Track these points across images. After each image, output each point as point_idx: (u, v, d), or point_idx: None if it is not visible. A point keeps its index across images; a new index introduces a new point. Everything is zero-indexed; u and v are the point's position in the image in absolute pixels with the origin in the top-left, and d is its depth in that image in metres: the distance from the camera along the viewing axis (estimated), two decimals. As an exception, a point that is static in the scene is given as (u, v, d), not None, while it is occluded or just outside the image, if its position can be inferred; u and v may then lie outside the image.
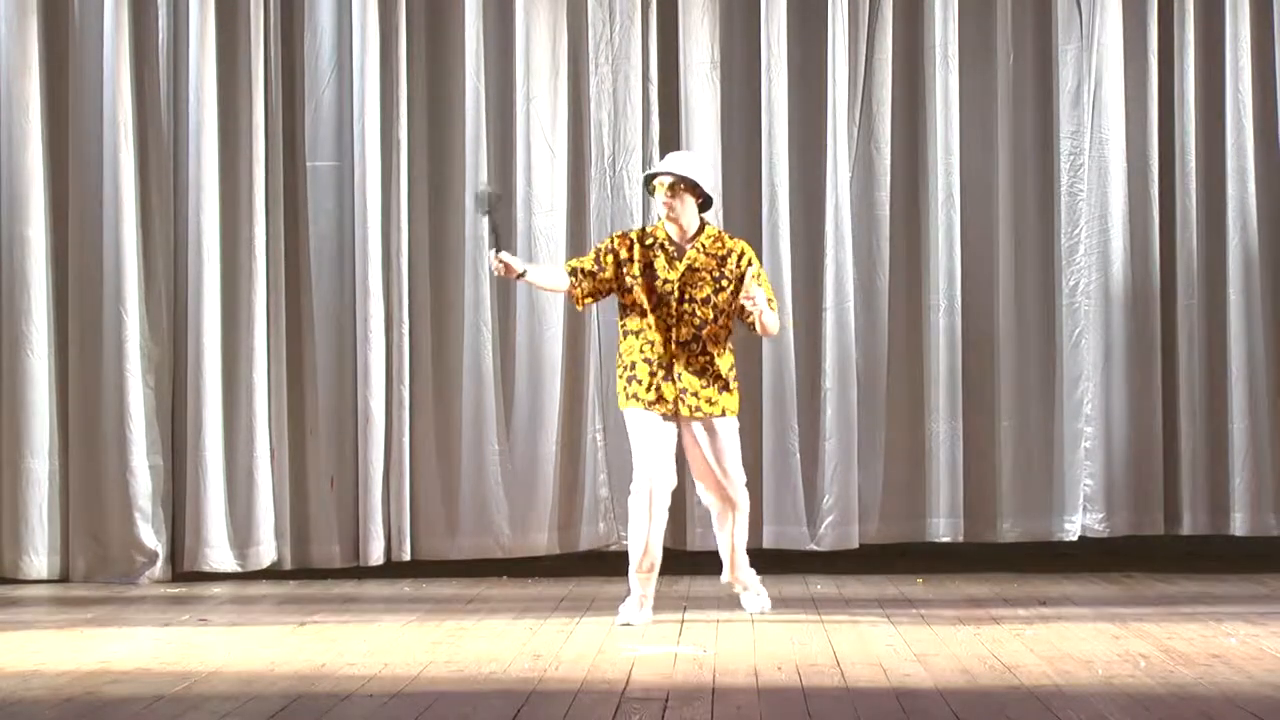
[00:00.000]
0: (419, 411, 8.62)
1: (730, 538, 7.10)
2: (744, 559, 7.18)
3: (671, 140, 8.70)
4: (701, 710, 4.92)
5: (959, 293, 8.73)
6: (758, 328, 6.94)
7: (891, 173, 8.77)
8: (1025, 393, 8.79)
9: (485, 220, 6.92)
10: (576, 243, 8.67)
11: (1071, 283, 8.77)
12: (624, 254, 6.95)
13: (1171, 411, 8.80)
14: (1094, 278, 8.78)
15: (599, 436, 8.65)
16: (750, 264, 6.95)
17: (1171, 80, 8.83)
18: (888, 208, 8.77)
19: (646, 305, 6.89)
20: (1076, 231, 8.77)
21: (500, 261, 6.79)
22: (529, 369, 8.65)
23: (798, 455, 8.66)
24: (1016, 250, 8.82)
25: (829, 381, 8.67)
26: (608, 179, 8.70)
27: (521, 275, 6.86)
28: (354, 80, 8.57)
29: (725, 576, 7.26)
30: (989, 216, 8.80)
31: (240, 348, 8.52)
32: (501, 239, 6.98)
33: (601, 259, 6.96)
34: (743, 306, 6.86)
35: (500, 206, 7.26)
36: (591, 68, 8.73)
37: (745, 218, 8.73)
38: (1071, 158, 8.78)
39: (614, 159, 8.72)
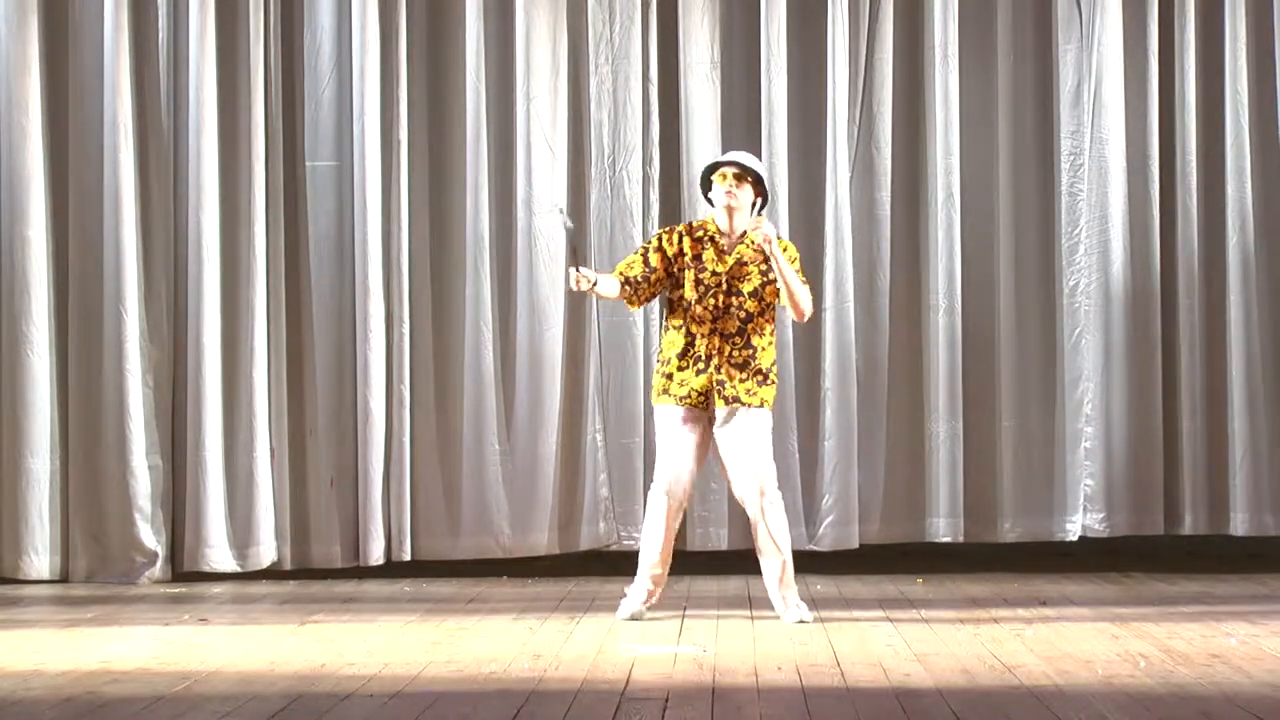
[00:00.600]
0: (419, 411, 8.62)
1: (770, 543, 6.96)
2: (789, 576, 7.01)
3: (671, 140, 8.70)
4: (701, 710, 4.92)
5: (959, 293, 8.73)
6: (785, 298, 6.89)
7: (891, 173, 8.77)
8: (1025, 393, 8.79)
9: (568, 237, 7.04)
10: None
11: (1071, 283, 8.77)
12: (672, 250, 7.01)
13: (1171, 411, 8.79)
14: (1094, 278, 8.78)
15: (599, 436, 8.65)
16: (786, 249, 6.97)
17: (1171, 80, 8.83)
18: (888, 208, 8.77)
19: (693, 297, 6.92)
20: (1076, 231, 8.77)
21: (581, 276, 6.80)
22: (529, 368, 8.64)
23: (797, 455, 8.65)
24: (1016, 250, 8.81)
25: (829, 381, 8.67)
26: (608, 179, 8.70)
27: (594, 286, 6.86)
28: (354, 80, 8.57)
29: (772, 595, 7.04)
30: (989, 216, 8.80)
31: (240, 347, 8.52)
32: (580, 255, 7.01)
33: (650, 259, 7.01)
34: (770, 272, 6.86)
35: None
36: (591, 68, 8.73)
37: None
38: (1071, 158, 8.78)
39: (614, 159, 8.72)
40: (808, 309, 7.00)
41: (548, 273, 8.64)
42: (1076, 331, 8.76)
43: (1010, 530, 8.74)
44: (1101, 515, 8.74)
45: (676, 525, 7.03)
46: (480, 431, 8.61)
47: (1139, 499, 8.76)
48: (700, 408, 6.93)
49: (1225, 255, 8.76)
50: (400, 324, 8.56)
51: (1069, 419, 8.74)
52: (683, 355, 6.94)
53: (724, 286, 6.93)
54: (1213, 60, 8.83)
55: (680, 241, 7.00)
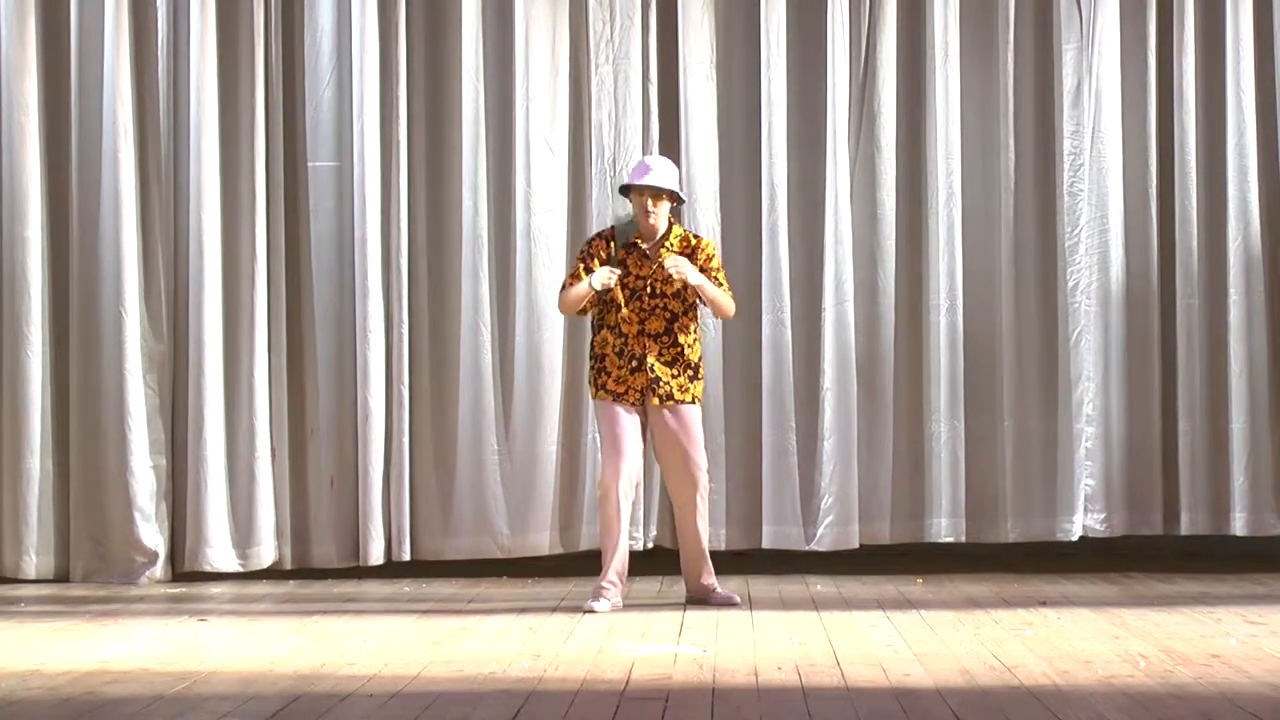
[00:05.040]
0: (418, 411, 8.62)
1: (695, 533, 7.43)
2: (708, 558, 7.50)
3: (672, 140, 8.70)
4: (701, 710, 4.92)
5: (959, 292, 8.73)
6: (710, 307, 7.43)
7: (892, 172, 8.77)
8: (1025, 393, 8.79)
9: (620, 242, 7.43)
10: (576, 243, 8.66)
11: (1071, 282, 8.76)
12: (603, 254, 7.40)
13: (1171, 411, 8.80)
14: (1094, 278, 8.78)
15: (599, 437, 8.64)
16: (707, 254, 7.42)
17: (1171, 80, 8.83)
18: (888, 207, 8.77)
19: (621, 299, 7.32)
20: (1076, 231, 8.77)
21: (611, 278, 7.24)
22: (528, 369, 8.64)
23: (796, 455, 8.65)
24: (1017, 250, 8.81)
25: (828, 381, 8.66)
26: (608, 179, 8.70)
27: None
28: (354, 80, 8.57)
29: (694, 584, 7.50)
30: (989, 216, 8.80)
31: (240, 347, 8.52)
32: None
33: (590, 265, 7.37)
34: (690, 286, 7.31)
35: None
36: (591, 68, 8.73)
37: (745, 218, 8.73)
38: (1071, 158, 8.78)
39: (614, 159, 8.72)
40: (730, 312, 7.53)
41: (547, 273, 8.64)
42: (1076, 331, 8.76)
43: (1011, 530, 8.73)
44: (1101, 515, 8.74)
45: (629, 509, 7.39)
46: (480, 432, 8.61)
47: (1139, 499, 8.76)
48: (638, 405, 7.34)
49: (1225, 255, 8.76)
50: (400, 324, 8.57)
51: (1069, 419, 8.74)
52: (620, 355, 7.34)
53: (649, 289, 7.35)
54: (1213, 60, 8.82)
55: (609, 246, 7.43)
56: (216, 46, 8.53)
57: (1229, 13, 8.78)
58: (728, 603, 7.35)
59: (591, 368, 7.44)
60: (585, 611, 7.12)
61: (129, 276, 8.44)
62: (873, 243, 8.77)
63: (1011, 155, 8.81)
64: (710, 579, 7.46)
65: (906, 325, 8.79)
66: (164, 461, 8.53)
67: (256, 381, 8.50)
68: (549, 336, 8.64)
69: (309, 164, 8.63)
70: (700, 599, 7.44)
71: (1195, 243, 8.79)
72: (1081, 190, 8.78)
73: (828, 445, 8.64)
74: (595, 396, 7.41)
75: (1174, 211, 8.81)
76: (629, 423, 7.31)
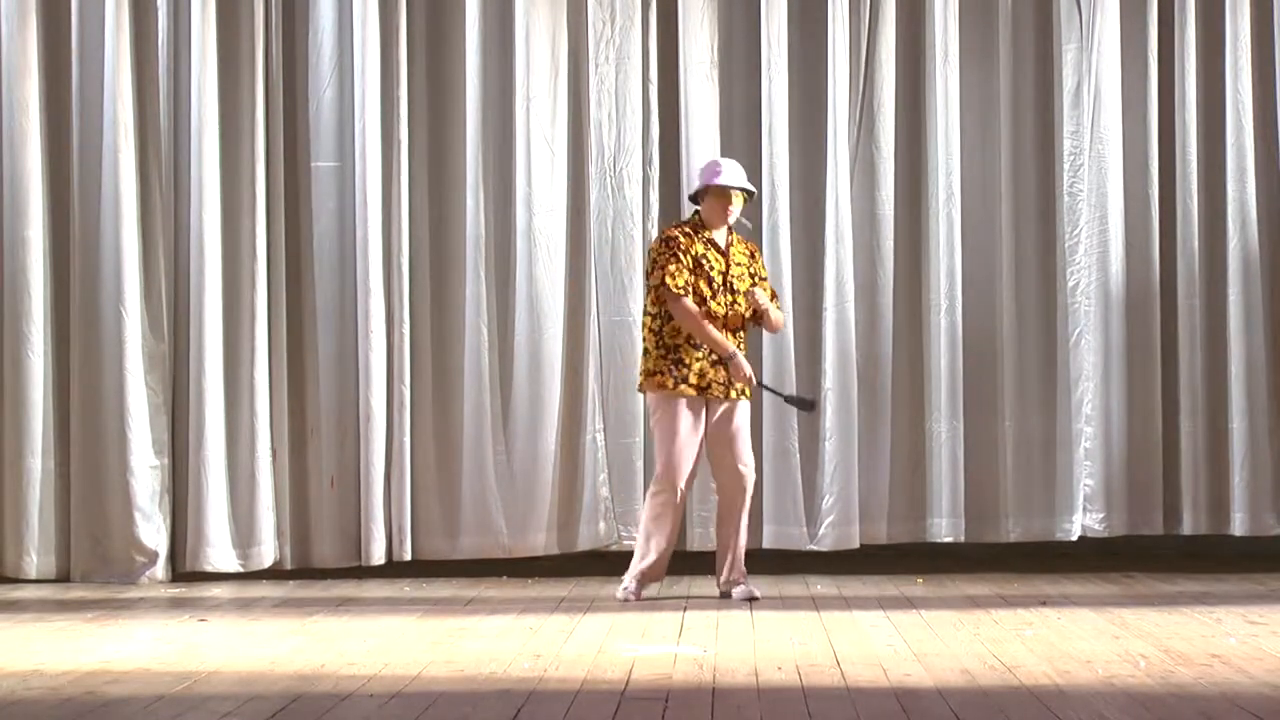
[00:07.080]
0: (419, 411, 8.62)
1: (736, 527, 7.50)
2: (743, 552, 7.60)
3: (671, 140, 8.71)
4: (701, 710, 4.92)
5: (959, 293, 8.73)
6: (767, 324, 7.55)
7: (892, 172, 8.77)
8: (1025, 392, 8.79)
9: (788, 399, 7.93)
10: (576, 243, 8.67)
11: (1071, 283, 8.77)
12: (693, 251, 7.44)
13: (1171, 411, 8.80)
14: (1094, 278, 8.78)
15: (599, 436, 8.65)
16: (760, 262, 7.63)
17: (1171, 80, 8.84)
18: (888, 207, 8.77)
19: (708, 294, 7.38)
20: (1076, 231, 8.78)
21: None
22: (529, 368, 8.65)
23: (797, 455, 8.66)
24: (1017, 250, 8.82)
25: (829, 381, 8.67)
26: (608, 179, 8.70)
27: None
28: (354, 80, 8.57)
29: (725, 577, 7.58)
30: (989, 216, 8.81)
31: (241, 347, 8.52)
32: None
33: (685, 261, 7.40)
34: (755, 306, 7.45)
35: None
36: (591, 67, 8.73)
37: (746, 218, 8.72)
38: (1071, 158, 8.79)
39: (614, 159, 8.72)
40: (781, 326, 7.81)
41: (547, 273, 8.64)
42: (1076, 331, 8.76)
43: (1011, 530, 8.74)
44: (1101, 515, 8.74)
45: (679, 518, 7.61)
46: (480, 431, 8.61)
47: (1139, 499, 8.76)
48: (719, 397, 7.40)
49: (1225, 255, 8.77)
50: (400, 324, 8.57)
51: (1069, 419, 8.74)
52: (686, 345, 7.37)
53: (726, 285, 7.41)
54: (1213, 60, 8.83)
55: (691, 239, 7.47)
56: (216, 46, 8.53)
57: (1229, 13, 8.78)
58: (746, 598, 7.43)
59: (662, 358, 7.38)
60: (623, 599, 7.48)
61: (129, 276, 8.45)
62: (873, 243, 8.77)
63: (1011, 155, 8.82)
64: (739, 570, 7.56)
65: (906, 325, 8.79)
66: (164, 461, 8.53)
67: (257, 381, 8.50)
68: (549, 336, 8.64)
69: (310, 164, 8.63)
70: (725, 592, 7.56)
71: (1195, 243, 8.80)
72: (1081, 190, 8.78)
73: (828, 445, 8.65)
74: (671, 390, 7.32)
75: (1174, 211, 8.81)
76: (693, 424, 7.38)
